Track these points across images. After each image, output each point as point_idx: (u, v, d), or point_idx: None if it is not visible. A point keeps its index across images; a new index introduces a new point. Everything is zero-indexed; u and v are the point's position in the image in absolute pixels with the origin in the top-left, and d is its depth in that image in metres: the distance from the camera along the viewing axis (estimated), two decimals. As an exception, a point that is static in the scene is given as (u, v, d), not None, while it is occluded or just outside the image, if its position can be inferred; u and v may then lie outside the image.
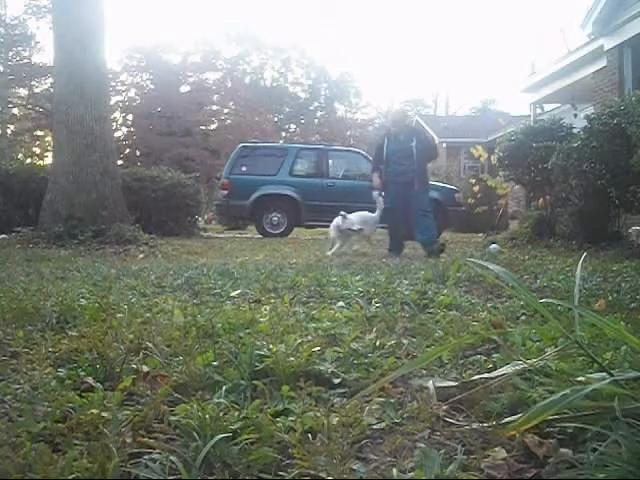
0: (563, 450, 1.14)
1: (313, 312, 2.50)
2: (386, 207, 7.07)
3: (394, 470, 1.06)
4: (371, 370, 1.66)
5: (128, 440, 1.16)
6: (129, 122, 29.55)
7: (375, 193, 7.28)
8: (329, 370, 1.64)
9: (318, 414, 1.30)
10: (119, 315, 2.35)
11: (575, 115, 11.34)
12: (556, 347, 1.62)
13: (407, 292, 3.08)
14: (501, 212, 12.24)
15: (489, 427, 1.26)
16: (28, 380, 1.57)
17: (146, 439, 1.19)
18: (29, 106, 27.43)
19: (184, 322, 2.17)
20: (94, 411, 1.28)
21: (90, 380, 1.56)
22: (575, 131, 8.50)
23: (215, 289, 3.33)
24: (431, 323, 2.30)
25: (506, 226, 12.88)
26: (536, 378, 1.45)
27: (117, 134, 26.69)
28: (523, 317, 2.45)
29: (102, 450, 1.10)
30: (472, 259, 1.61)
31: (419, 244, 7.01)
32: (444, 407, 1.38)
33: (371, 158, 13.53)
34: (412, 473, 1.04)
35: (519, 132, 9.23)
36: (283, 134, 37.34)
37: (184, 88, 30.37)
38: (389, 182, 6.92)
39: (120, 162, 18.76)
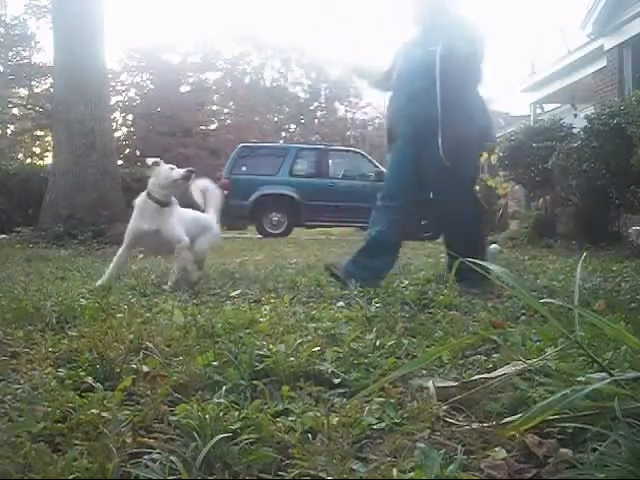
0: (563, 450, 1.14)
1: (313, 312, 2.50)
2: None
3: (394, 470, 1.05)
4: (371, 370, 1.66)
5: (128, 440, 1.16)
6: (129, 122, 29.60)
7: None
8: (329, 370, 1.64)
9: (318, 414, 1.30)
10: (119, 315, 2.35)
11: (575, 115, 11.34)
12: (556, 347, 1.62)
13: (407, 292, 3.08)
14: (501, 212, 12.23)
15: (489, 427, 1.26)
16: (28, 380, 1.57)
17: (146, 439, 1.19)
18: (29, 106, 27.37)
19: (184, 322, 2.17)
20: (94, 411, 1.28)
21: (90, 380, 1.56)
22: (575, 131, 8.52)
23: (215, 289, 3.33)
24: (431, 323, 2.30)
25: (506, 226, 12.88)
26: (536, 378, 1.45)
27: (117, 134, 26.73)
28: (523, 317, 2.45)
29: (102, 450, 1.10)
30: (472, 259, 1.61)
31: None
32: (444, 407, 1.38)
33: (371, 158, 13.71)
34: (412, 473, 1.04)
35: (519, 132, 9.25)
36: (283, 134, 37.29)
37: (184, 88, 30.40)
38: (397, 135, 3.55)
39: (120, 162, 18.72)
